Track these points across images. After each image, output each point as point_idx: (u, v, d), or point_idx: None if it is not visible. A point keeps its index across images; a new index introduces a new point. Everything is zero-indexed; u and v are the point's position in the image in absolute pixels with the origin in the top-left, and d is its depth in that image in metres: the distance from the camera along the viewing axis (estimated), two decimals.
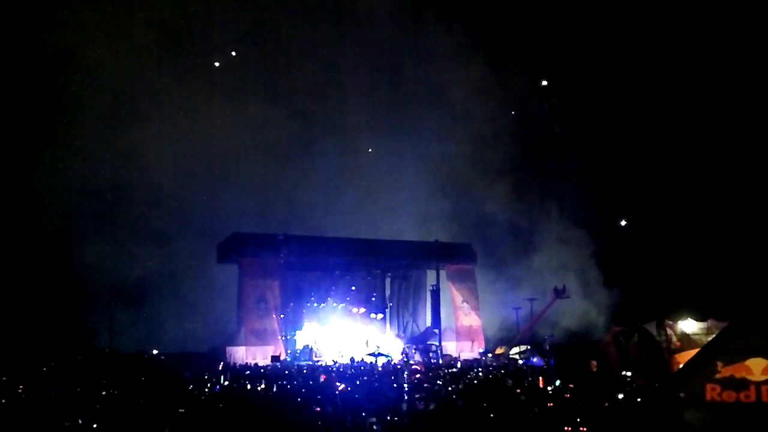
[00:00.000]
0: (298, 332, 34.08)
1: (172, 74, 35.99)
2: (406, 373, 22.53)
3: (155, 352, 31.45)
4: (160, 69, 35.79)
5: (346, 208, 38.41)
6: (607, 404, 15.21)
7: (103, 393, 17.86)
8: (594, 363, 22.45)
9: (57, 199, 33.70)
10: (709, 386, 12.23)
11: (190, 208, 35.72)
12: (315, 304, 35.65)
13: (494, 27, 38.74)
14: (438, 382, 20.46)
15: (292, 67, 39.33)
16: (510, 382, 19.58)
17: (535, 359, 27.62)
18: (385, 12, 39.73)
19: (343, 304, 36.19)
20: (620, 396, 16.01)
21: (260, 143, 37.05)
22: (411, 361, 29.21)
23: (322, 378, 22.47)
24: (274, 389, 19.75)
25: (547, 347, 28.57)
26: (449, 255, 36.35)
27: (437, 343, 34.37)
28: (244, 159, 37.14)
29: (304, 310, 35.23)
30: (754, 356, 12.17)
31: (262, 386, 20.45)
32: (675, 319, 21.88)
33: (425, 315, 38.20)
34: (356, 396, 17.28)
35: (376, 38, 39.72)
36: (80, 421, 13.46)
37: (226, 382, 21.52)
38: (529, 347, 33.46)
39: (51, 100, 33.17)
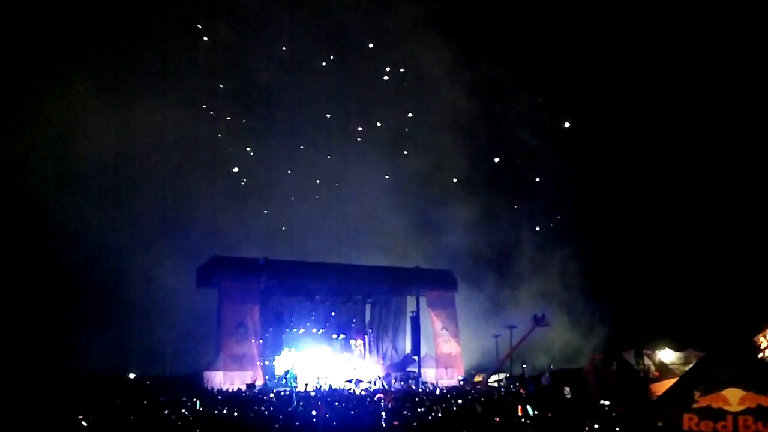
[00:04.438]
0: (277, 357, 33.82)
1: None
2: (383, 400, 22.36)
3: (132, 375, 31.02)
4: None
5: (326, 233, 38.28)
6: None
7: (79, 417, 17.55)
8: (568, 389, 22.48)
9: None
10: (686, 416, 12.31)
11: (169, 229, 35.29)
12: (295, 330, 35.38)
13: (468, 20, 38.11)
14: (419, 409, 20.34)
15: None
16: (480, 408, 19.49)
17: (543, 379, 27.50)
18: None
19: (323, 330, 35.96)
20: (597, 425, 16.00)
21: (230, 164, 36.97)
22: (390, 389, 29.02)
23: (295, 403, 22.27)
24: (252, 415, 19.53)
25: (526, 375, 28.54)
26: (430, 281, 36.37)
27: (416, 370, 34.25)
28: (214, 181, 36.95)
29: (283, 336, 34.97)
30: (731, 386, 12.28)
31: (239, 412, 20.17)
32: (653, 348, 21.98)
33: (405, 341, 38.04)
34: (335, 423, 17.16)
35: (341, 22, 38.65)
36: None
37: (201, 408, 21.23)
38: (507, 375, 33.45)
39: None
